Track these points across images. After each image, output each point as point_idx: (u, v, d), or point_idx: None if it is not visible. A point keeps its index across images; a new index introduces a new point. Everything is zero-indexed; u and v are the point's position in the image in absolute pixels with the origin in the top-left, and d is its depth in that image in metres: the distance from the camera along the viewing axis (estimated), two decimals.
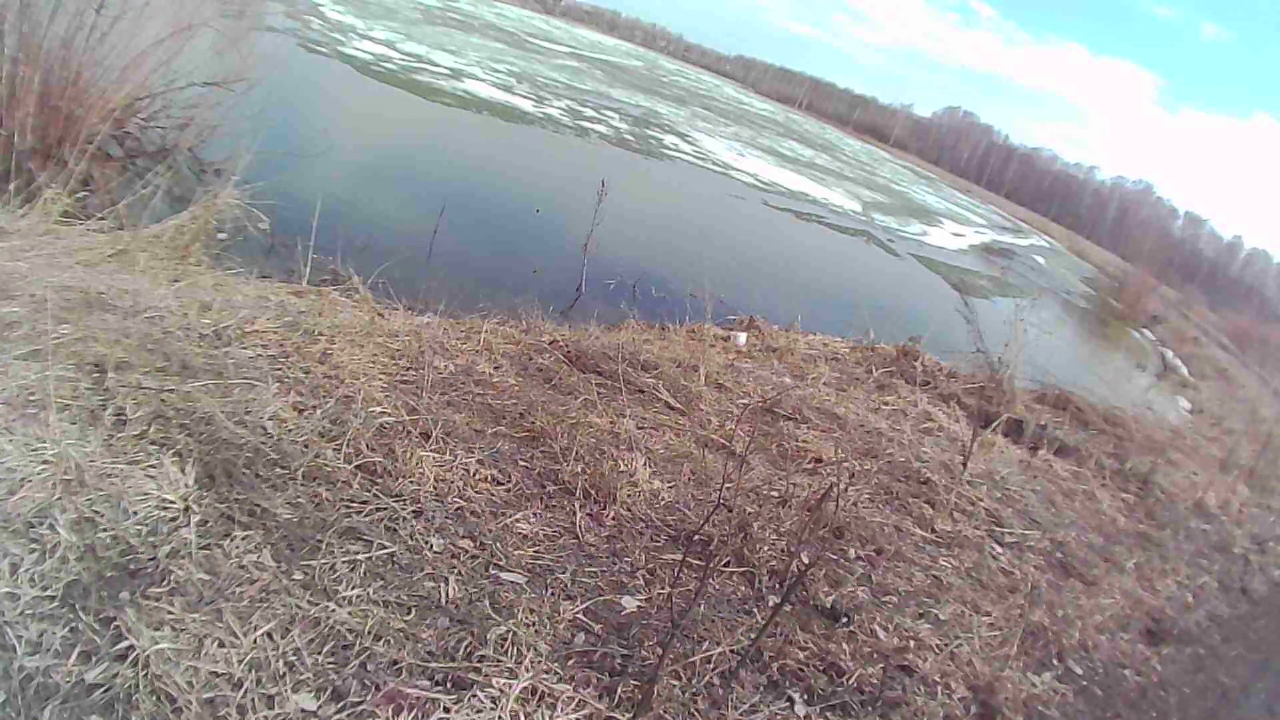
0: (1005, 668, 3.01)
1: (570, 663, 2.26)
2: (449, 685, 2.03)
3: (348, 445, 2.90)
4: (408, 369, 3.77)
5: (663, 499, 3.37)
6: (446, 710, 1.94)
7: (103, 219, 4.63)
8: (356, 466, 2.83)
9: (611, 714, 2.11)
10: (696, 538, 3.01)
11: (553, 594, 2.55)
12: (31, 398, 2.48)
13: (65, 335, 2.91)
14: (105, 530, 2.10)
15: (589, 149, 15.49)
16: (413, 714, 1.90)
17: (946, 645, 3.02)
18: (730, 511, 3.29)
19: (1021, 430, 6.36)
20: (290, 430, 2.88)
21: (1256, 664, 4.29)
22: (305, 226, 5.00)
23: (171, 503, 2.27)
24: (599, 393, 4.22)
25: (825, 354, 6.98)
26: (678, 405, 4.51)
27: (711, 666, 2.44)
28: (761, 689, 2.45)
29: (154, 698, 1.73)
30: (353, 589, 2.25)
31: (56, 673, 1.72)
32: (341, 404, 3.16)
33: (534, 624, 2.36)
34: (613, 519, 3.12)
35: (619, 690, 2.20)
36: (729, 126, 30.92)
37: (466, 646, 2.18)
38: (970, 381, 7.02)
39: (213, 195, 5.22)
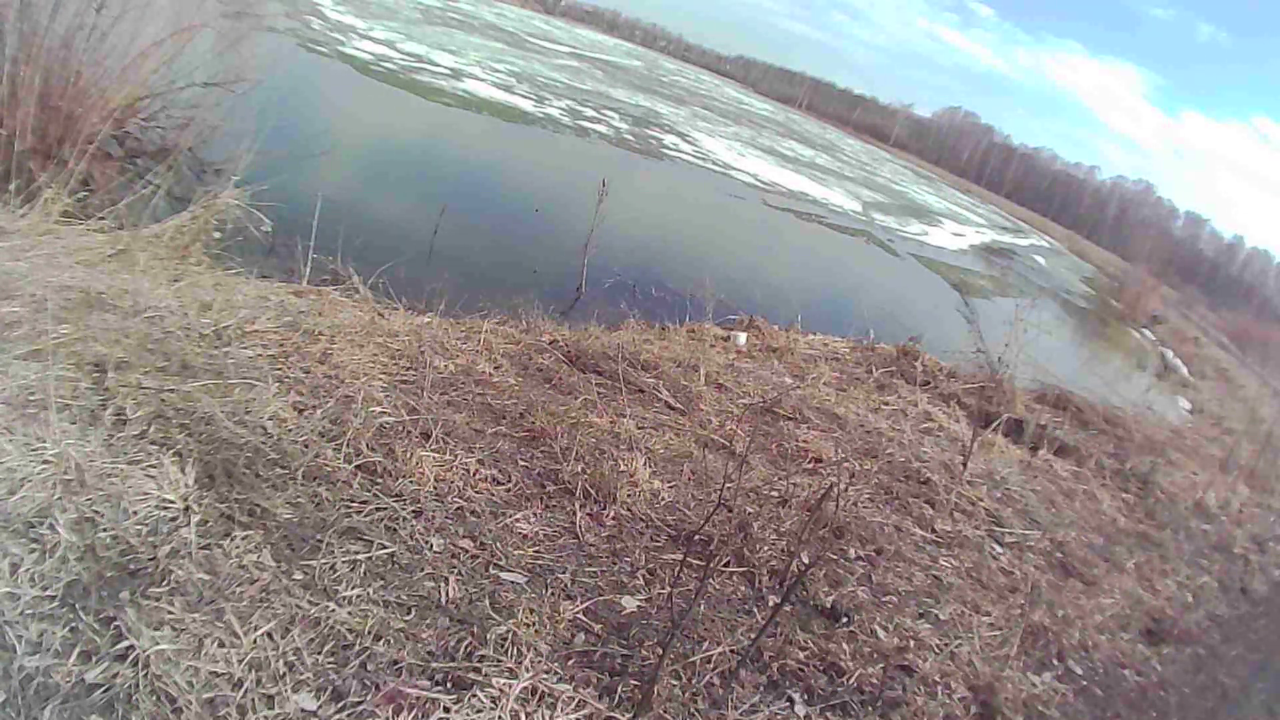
0: (1005, 668, 3.01)
1: (570, 663, 2.26)
2: (449, 685, 2.03)
3: (348, 445, 2.90)
4: (408, 369, 3.77)
5: (663, 499, 3.37)
6: (446, 710, 1.94)
7: (103, 219, 4.61)
8: (356, 466, 2.83)
9: (611, 714, 2.11)
10: (697, 538, 3.01)
11: (553, 594, 2.55)
12: (31, 398, 2.48)
13: (65, 335, 2.90)
14: (105, 530, 2.10)
15: (589, 149, 15.50)
16: (413, 714, 1.90)
17: (946, 645, 3.02)
18: (730, 511, 3.29)
19: (1021, 430, 6.36)
20: (290, 430, 2.88)
21: (1256, 664, 4.29)
22: (305, 226, 5.00)
23: (171, 503, 2.27)
24: (599, 393, 4.22)
25: (825, 354, 6.98)
26: (678, 405, 4.51)
27: (711, 666, 2.44)
28: (761, 689, 2.45)
29: (154, 698, 1.73)
30: (353, 589, 2.25)
31: (56, 673, 1.71)
32: (341, 404, 3.16)
33: (534, 624, 2.36)
34: (613, 519, 3.12)
35: (619, 690, 2.20)
36: (729, 126, 30.93)
37: (466, 646, 2.18)
38: (970, 381, 7.02)
39: (213, 195, 5.20)
